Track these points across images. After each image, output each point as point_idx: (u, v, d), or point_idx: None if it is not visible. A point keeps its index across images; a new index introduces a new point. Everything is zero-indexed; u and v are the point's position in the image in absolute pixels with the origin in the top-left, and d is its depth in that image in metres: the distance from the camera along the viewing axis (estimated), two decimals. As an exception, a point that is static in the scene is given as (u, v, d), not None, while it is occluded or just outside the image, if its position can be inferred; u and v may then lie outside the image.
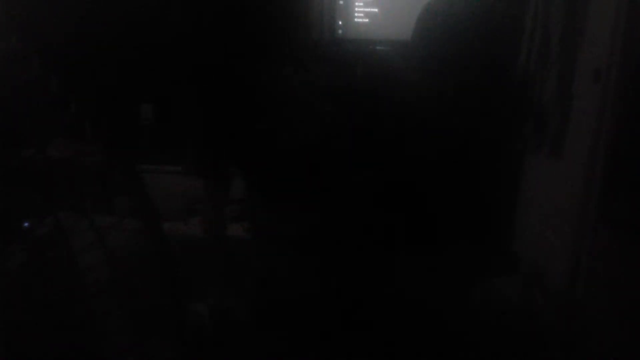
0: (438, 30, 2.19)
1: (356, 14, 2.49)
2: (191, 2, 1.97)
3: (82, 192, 2.58)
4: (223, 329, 1.93)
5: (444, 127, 2.20)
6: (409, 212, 2.30)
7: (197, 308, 1.96)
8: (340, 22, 2.50)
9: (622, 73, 1.78)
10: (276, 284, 2.18)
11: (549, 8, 2.11)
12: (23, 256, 1.88)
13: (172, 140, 2.84)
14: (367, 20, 2.49)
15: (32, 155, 2.23)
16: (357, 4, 2.48)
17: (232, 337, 1.89)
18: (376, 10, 2.48)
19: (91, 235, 2.19)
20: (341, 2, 2.48)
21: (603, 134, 1.85)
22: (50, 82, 2.34)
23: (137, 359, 1.73)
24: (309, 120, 2.42)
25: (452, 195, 2.29)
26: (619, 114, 1.78)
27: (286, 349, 1.81)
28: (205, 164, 2.03)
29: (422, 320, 1.95)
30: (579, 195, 1.95)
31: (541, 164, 2.29)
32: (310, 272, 2.22)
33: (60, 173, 2.29)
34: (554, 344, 1.82)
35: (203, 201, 2.08)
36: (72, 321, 1.77)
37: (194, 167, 2.16)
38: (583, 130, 1.95)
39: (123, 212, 2.53)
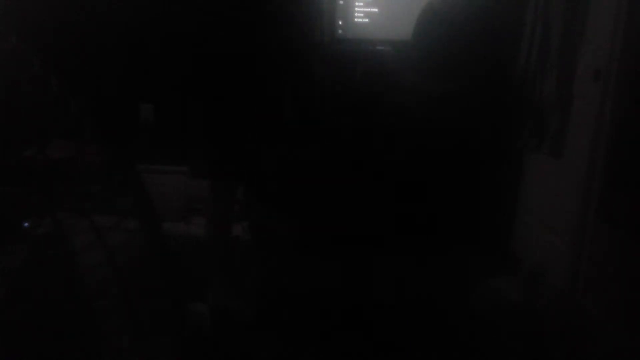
0: (438, 30, 2.19)
1: (356, 14, 2.49)
2: (194, 3, 1.97)
3: (82, 192, 2.59)
4: (223, 329, 1.93)
5: (443, 127, 2.20)
6: (408, 212, 2.30)
7: (197, 308, 1.96)
8: (340, 22, 2.50)
9: (622, 73, 1.78)
10: (276, 283, 2.18)
11: (549, 8, 2.11)
12: (23, 256, 1.88)
13: (172, 140, 2.84)
14: (367, 20, 2.49)
15: (32, 155, 2.23)
16: (357, 4, 2.48)
17: (232, 337, 1.89)
18: (376, 10, 2.48)
19: (91, 235, 2.19)
20: (341, 2, 2.48)
21: (603, 134, 1.85)
22: (50, 82, 2.34)
23: (137, 359, 1.73)
24: (311, 120, 2.42)
25: (452, 195, 2.29)
26: (619, 114, 1.78)
27: (286, 349, 1.81)
28: (216, 165, 2.01)
29: (423, 320, 1.95)
30: (579, 195, 1.95)
31: (541, 164, 2.29)
32: (309, 272, 2.22)
33: (60, 173, 2.29)
34: (554, 344, 1.82)
35: (207, 201, 2.07)
36: (72, 321, 1.77)
37: (203, 169, 2.14)
38: (583, 130, 1.95)
39: (123, 212, 2.53)
